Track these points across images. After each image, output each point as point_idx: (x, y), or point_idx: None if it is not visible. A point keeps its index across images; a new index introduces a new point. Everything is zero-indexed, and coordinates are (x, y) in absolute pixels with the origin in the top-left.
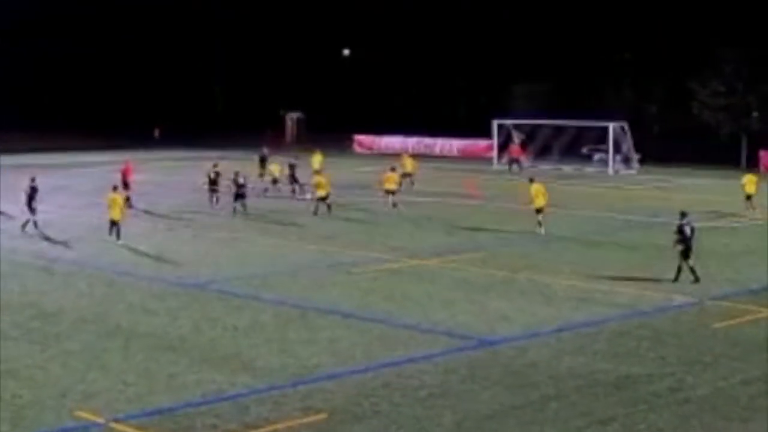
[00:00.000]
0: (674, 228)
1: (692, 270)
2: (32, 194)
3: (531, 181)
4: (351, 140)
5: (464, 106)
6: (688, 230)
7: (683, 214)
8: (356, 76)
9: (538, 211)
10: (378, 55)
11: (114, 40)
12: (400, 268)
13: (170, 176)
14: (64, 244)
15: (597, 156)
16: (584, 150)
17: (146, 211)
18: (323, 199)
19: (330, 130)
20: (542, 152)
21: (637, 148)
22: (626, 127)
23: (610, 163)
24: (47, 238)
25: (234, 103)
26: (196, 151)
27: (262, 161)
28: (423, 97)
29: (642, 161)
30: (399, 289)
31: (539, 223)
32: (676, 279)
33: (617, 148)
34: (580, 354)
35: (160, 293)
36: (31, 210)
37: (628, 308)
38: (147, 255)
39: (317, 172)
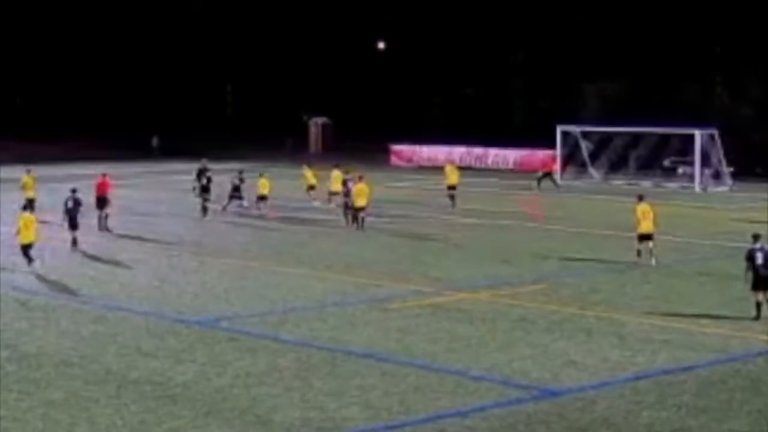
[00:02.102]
0: (744, 254)
1: (760, 304)
2: (75, 208)
3: (640, 199)
4: (386, 150)
5: (522, 109)
6: (760, 257)
7: (756, 237)
8: (393, 74)
9: (644, 237)
10: (419, 48)
11: (103, 32)
12: (445, 304)
13: (171, 192)
14: (43, 273)
15: (681, 169)
16: (666, 162)
17: (139, 235)
18: (360, 209)
19: (361, 139)
20: (616, 165)
21: (730, 160)
22: (716, 135)
23: (697, 178)
24: (19, 270)
25: (247, 105)
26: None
27: (200, 175)
28: (473, 100)
29: (736, 176)
30: (444, 329)
31: (640, 253)
32: (757, 317)
33: (706, 161)
34: (661, 407)
35: (159, 332)
36: (73, 226)
37: (719, 352)
38: (143, 286)
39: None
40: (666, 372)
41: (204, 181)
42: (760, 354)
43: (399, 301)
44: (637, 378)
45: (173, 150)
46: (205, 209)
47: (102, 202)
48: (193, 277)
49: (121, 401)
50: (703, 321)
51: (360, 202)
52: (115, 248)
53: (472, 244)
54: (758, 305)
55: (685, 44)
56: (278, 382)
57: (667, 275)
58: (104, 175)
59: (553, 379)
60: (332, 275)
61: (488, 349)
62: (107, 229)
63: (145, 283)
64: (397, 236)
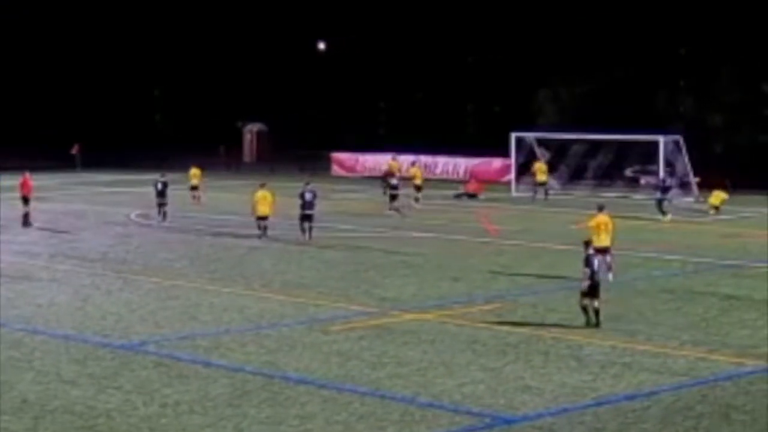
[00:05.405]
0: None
1: (596, 312)
2: None
3: (600, 209)
4: (327, 159)
5: (474, 115)
6: (595, 263)
7: (587, 244)
8: (335, 77)
9: (601, 251)
10: (363, 49)
11: (15, 30)
12: (390, 325)
13: (94, 205)
14: None
15: (644, 180)
16: (628, 172)
17: (59, 252)
18: (262, 218)
19: (300, 146)
20: (575, 174)
21: (696, 169)
22: (682, 143)
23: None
24: None
25: (177, 110)
26: (127, 173)
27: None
28: (421, 104)
29: (702, 186)
30: (389, 353)
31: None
32: (596, 323)
33: (670, 170)
34: None
35: (80, 357)
36: None
37: (684, 376)
38: (63, 307)
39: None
40: (628, 397)
41: (160, 186)
42: (728, 378)
43: (341, 322)
44: (598, 404)
45: (96, 159)
46: (164, 214)
47: (26, 200)
48: (117, 297)
49: None
50: (668, 342)
51: (262, 210)
52: (32, 266)
53: (419, 260)
54: (585, 310)
55: (647, 46)
56: (210, 411)
57: (629, 293)
58: (24, 173)
59: (507, 406)
60: (269, 294)
61: (437, 373)
62: (29, 224)
63: (65, 304)
64: (339, 251)
